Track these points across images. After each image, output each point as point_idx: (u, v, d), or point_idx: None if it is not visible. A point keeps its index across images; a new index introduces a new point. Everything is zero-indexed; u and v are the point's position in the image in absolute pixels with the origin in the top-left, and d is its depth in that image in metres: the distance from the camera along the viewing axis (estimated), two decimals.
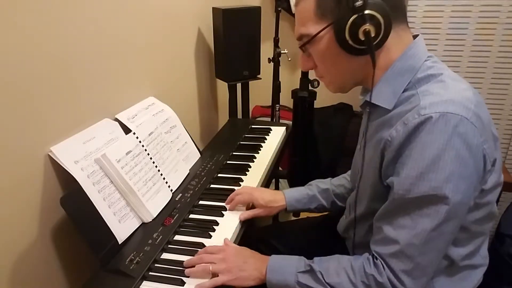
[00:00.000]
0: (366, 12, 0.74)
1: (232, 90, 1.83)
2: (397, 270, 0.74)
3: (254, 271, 0.86)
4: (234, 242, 0.99)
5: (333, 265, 0.82)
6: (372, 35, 0.75)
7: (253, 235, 1.22)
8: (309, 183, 1.20)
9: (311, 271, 0.82)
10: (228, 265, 0.86)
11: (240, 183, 1.22)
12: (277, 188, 2.16)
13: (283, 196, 1.14)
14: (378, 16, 0.74)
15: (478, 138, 0.71)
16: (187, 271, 0.86)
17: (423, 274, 0.75)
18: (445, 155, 0.69)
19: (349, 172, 1.20)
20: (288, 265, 0.85)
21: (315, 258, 0.85)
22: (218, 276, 0.85)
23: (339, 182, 1.17)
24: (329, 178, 1.20)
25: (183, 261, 0.90)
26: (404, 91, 0.80)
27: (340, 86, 0.89)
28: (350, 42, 0.77)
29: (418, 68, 0.80)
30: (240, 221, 1.05)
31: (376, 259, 0.78)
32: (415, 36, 0.84)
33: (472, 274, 0.87)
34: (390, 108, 0.80)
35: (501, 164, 0.81)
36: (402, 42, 0.81)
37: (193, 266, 0.87)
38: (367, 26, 0.74)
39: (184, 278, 0.85)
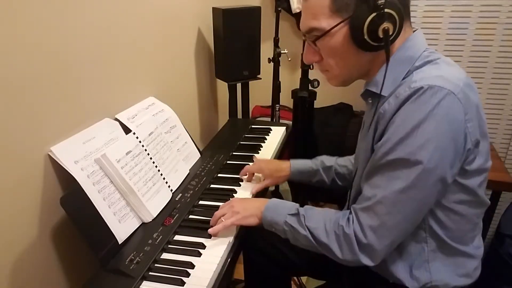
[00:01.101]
0: (386, 10, 0.76)
1: (232, 90, 1.83)
2: (364, 224, 0.80)
3: (255, 209, 0.97)
4: (235, 241, 0.99)
5: (317, 214, 0.90)
6: (390, 33, 0.77)
7: (254, 234, 1.22)
8: (316, 157, 1.25)
9: (297, 214, 0.91)
10: (235, 209, 0.98)
11: (240, 183, 1.22)
12: (277, 188, 2.16)
13: (288, 165, 1.22)
14: (395, 14, 0.76)
15: (461, 114, 0.73)
16: (209, 230, 0.98)
17: (388, 235, 0.79)
18: (425, 124, 0.73)
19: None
20: (282, 207, 0.95)
21: (306, 206, 0.93)
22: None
23: (344, 162, 1.21)
24: (335, 157, 1.24)
25: (183, 261, 0.90)
26: (403, 78, 0.82)
27: (345, 80, 0.91)
28: (367, 39, 0.78)
29: (417, 57, 0.83)
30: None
31: (350, 213, 0.84)
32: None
33: (467, 262, 0.88)
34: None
35: (488, 149, 0.82)
36: (404, 36, 0.84)
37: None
38: (387, 24, 0.76)
39: (184, 278, 0.85)
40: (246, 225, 0.98)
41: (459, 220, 0.84)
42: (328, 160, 1.22)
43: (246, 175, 1.24)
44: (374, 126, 0.83)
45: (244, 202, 1.02)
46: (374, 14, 0.76)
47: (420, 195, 0.77)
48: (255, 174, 1.25)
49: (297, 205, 0.94)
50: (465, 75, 0.80)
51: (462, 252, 0.87)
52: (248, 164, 1.31)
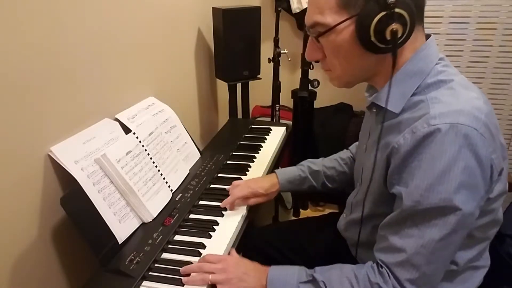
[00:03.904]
0: (396, 10, 0.70)
1: (232, 90, 1.83)
2: (402, 279, 0.73)
3: (255, 282, 0.84)
4: (235, 242, 0.99)
5: (335, 274, 0.80)
6: (399, 35, 0.71)
7: (254, 235, 1.22)
8: (301, 163, 1.21)
9: (313, 281, 0.80)
10: (228, 276, 0.83)
11: None
12: None
13: (277, 179, 1.16)
14: (406, 16, 0.71)
15: (487, 149, 0.70)
16: (184, 279, 0.84)
17: (428, 283, 0.74)
18: (454, 166, 0.68)
19: (341, 153, 1.22)
20: (289, 275, 0.83)
21: (316, 268, 0.83)
22: (216, 287, 0.83)
23: (331, 164, 1.18)
24: (321, 158, 1.21)
25: (183, 261, 0.90)
26: (413, 95, 0.77)
27: (348, 81, 0.85)
28: (373, 39, 0.72)
29: (429, 71, 0.77)
30: (243, 215, 1.07)
31: (381, 267, 0.76)
32: (427, 36, 0.81)
33: (474, 275, 0.87)
34: (397, 112, 0.78)
35: (507, 173, 0.80)
36: (415, 43, 0.78)
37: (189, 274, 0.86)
38: (395, 26, 0.71)
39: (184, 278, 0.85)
40: None
41: (476, 242, 0.82)
42: (314, 164, 1.18)
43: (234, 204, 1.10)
44: (386, 157, 0.78)
45: (240, 270, 0.85)
46: (383, 13, 0.70)
47: (460, 237, 0.73)
48: None
49: (304, 268, 0.84)
50: (484, 100, 0.75)
51: (469, 267, 0.85)
52: (248, 164, 1.32)
